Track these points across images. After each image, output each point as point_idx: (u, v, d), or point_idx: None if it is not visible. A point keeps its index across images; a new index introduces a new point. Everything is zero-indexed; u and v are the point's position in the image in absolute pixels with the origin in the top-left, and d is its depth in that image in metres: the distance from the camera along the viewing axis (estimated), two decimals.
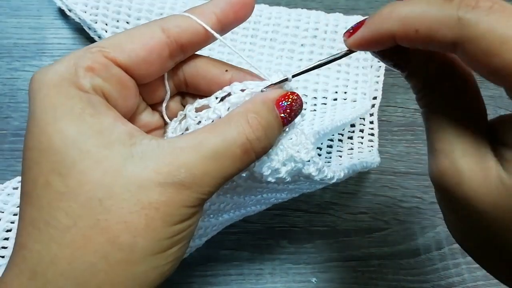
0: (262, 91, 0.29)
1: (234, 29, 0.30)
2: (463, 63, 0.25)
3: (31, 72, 0.53)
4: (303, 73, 0.30)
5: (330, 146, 0.52)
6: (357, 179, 0.53)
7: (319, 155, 0.51)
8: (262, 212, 0.46)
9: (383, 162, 0.52)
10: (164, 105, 0.32)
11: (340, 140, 0.53)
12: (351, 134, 0.54)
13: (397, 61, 0.27)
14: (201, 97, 0.30)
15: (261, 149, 0.26)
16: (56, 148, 0.23)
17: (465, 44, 0.21)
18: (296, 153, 0.30)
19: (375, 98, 0.54)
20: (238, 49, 0.55)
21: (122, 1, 0.53)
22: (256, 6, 0.50)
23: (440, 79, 0.26)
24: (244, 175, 0.30)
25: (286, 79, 0.29)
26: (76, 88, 0.24)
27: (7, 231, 0.44)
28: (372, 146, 0.52)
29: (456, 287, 0.49)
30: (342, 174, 0.38)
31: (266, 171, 0.29)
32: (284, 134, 0.30)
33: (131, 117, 0.30)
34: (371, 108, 0.54)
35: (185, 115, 0.30)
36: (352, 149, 0.53)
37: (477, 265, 0.28)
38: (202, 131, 0.25)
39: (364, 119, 0.54)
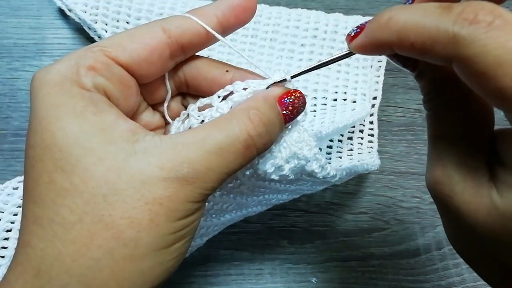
0: (267, 88, 0.29)
1: None
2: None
3: (31, 72, 0.53)
4: (304, 73, 0.30)
5: (330, 147, 0.52)
6: (357, 179, 0.53)
7: None
8: (262, 212, 0.46)
9: (383, 162, 0.52)
10: (165, 104, 0.32)
11: (340, 141, 0.53)
12: (350, 135, 0.54)
13: (406, 62, 0.27)
14: (203, 97, 0.31)
15: (262, 145, 0.26)
16: (60, 146, 0.23)
17: (459, 63, 0.20)
18: (299, 150, 0.30)
19: (375, 98, 0.54)
20: (238, 48, 0.55)
21: (122, 1, 0.53)
22: None
23: (446, 84, 0.26)
24: (248, 172, 0.30)
25: (284, 80, 0.29)
26: (78, 86, 0.24)
27: (7, 231, 0.44)
28: (371, 148, 0.52)
29: (456, 287, 0.49)
30: (344, 173, 0.38)
31: (269, 169, 0.30)
32: (287, 131, 0.30)
33: (132, 117, 0.30)
34: (371, 108, 0.54)
35: (188, 114, 0.30)
36: (351, 150, 0.53)
37: None
38: (205, 127, 0.25)
39: (364, 119, 0.54)
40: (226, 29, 0.29)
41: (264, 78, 0.30)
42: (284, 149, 0.30)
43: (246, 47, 0.55)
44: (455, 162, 0.25)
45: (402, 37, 0.22)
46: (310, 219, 0.52)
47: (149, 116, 0.32)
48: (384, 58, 0.54)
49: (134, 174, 0.23)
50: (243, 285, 0.48)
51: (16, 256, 0.23)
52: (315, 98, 0.54)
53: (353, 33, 0.26)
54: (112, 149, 0.23)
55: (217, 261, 0.49)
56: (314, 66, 0.29)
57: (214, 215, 0.37)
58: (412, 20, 0.22)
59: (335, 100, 0.54)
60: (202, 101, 0.30)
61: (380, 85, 0.54)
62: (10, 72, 0.54)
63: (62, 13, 0.55)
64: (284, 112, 0.28)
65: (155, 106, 0.33)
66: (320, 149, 0.52)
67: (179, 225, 0.24)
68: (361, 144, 0.53)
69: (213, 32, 0.28)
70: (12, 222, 0.44)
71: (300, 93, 0.28)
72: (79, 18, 0.53)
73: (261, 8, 0.56)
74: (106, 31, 0.52)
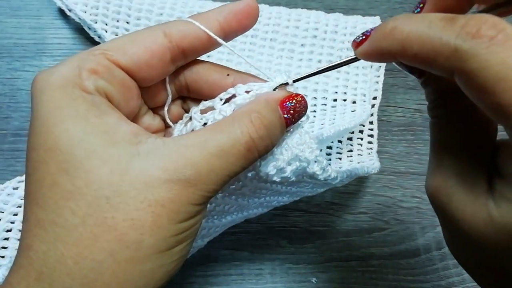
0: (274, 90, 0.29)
1: None
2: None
3: (31, 72, 0.53)
4: (308, 77, 0.30)
5: (330, 147, 0.52)
6: (357, 179, 0.53)
7: None
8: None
9: (383, 162, 0.52)
10: (166, 108, 0.32)
11: (339, 141, 0.53)
12: (350, 135, 0.53)
13: (412, 69, 0.27)
14: (204, 100, 0.31)
15: (263, 148, 0.26)
16: (63, 148, 0.23)
17: (461, 76, 0.21)
18: (301, 152, 0.30)
19: (375, 98, 0.54)
20: (238, 49, 0.55)
21: (122, 1, 0.53)
22: None
23: (449, 96, 0.26)
24: (250, 174, 0.30)
25: (286, 83, 0.29)
26: (80, 89, 0.25)
27: (7, 231, 0.44)
28: (371, 149, 0.52)
29: (456, 287, 0.49)
30: (345, 175, 0.38)
31: (271, 171, 0.30)
32: (289, 134, 0.30)
33: (133, 120, 0.30)
34: (371, 108, 0.54)
35: (191, 117, 0.30)
36: (351, 151, 0.53)
37: None
38: (207, 130, 0.25)
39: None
40: (228, 34, 0.29)
41: (265, 81, 0.30)
42: (285, 151, 0.30)
43: (246, 47, 0.55)
44: (454, 171, 0.25)
45: (405, 47, 0.22)
46: (310, 219, 0.52)
47: (150, 120, 0.32)
48: None
49: (137, 176, 0.23)
50: (243, 285, 0.48)
51: (18, 258, 0.23)
52: (315, 98, 0.54)
53: (358, 40, 0.26)
54: (114, 151, 0.23)
55: (217, 261, 0.49)
56: (318, 71, 0.30)
57: (215, 217, 0.37)
58: (416, 31, 0.22)
59: (335, 100, 0.54)
60: (204, 104, 0.30)
61: (380, 85, 0.54)
62: (10, 72, 0.54)
63: (62, 13, 0.55)
64: (286, 116, 0.28)
65: (156, 109, 0.33)
66: (320, 150, 0.52)
67: (181, 227, 0.24)
68: (361, 145, 0.53)
69: (215, 37, 0.28)
70: (12, 222, 0.44)
71: (302, 97, 0.29)
72: (79, 18, 0.53)
73: (261, 8, 0.56)
74: (106, 31, 0.52)
